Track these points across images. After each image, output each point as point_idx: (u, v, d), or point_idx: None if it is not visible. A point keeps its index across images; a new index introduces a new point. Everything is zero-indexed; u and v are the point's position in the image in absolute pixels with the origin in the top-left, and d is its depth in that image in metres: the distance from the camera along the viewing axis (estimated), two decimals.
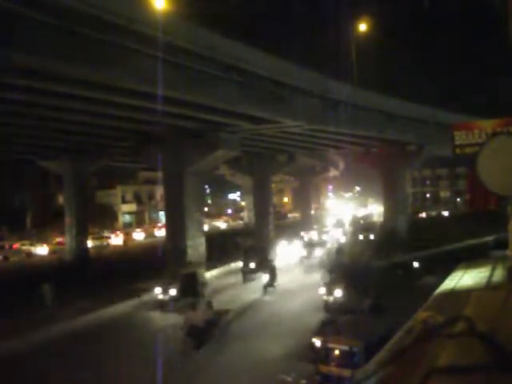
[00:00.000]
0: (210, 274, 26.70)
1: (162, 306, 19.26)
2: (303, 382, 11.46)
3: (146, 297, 20.86)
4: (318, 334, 12.05)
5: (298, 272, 27.68)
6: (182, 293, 19.32)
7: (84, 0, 14.52)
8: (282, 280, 23.89)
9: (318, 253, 32.76)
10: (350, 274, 19.95)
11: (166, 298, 19.41)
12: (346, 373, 9.82)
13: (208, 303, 15.34)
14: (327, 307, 18.15)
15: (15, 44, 13.83)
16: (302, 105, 26.03)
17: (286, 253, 33.76)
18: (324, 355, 11.03)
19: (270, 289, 22.03)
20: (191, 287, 19.88)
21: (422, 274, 21.65)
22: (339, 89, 28.37)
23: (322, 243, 36.45)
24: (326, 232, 44.03)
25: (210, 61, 19.99)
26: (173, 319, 16.83)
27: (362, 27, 35.13)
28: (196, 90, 20.46)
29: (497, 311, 2.64)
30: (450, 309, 2.94)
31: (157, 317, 18.78)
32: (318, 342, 11.23)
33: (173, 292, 19.42)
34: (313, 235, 40.02)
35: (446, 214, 66.29)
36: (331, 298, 18.29)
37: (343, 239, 41.14)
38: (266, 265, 24.47)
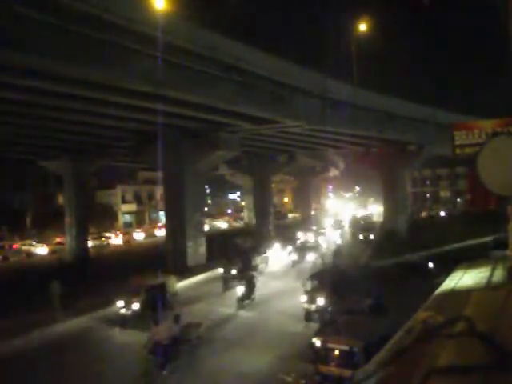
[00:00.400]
0: (189, 282, 24.78)
1: (123, 321, 17.18)
2: (303, 382, 11.47)
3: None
4: (317, 334, 12.03)
5: (287, 279, 25.09)
6: (148, 306, 17.19)
7: (84, 0, 14.53)
8: (266, 289, 22.27)
9: (312, 257, 30.07)
10: (339, 279, 18.84)
11: (129, 312, 17.36)
12: (346, 373, 9.80)
13: (175, 317, 13.78)
14: (308, 316, 17.07)
15: (15, 44, 13.84)
16: (301, 105, 26.05)
17: (279, 256, 31.82)
18: (324, 355, 11.03)
19: (247, 302, 19.83)
20: (158, 299, 17.58)
21: (437, 275, 20.81)
22: (339, 89, 28.39)
23: (315, 247, 33.38)
24: (323, 233, 41.93)
25: (210, 61, 20.00)
26: (135, 336, 15.24)
27: (362, 27, 35.21)
28: (196, 90, 20.48)
29: (497, 311, 2.64)
30: (450, 309, 2.94)
31: (117, 334, 16.85)
32: (317, 342, 11.22)
33: (136, 306, 17.35)
34: (309, 237, 38.22)
35: (442, 214, 65.08)
36: (313, 307, 17.13)
37: (342, 241, 39.73)
38: (247, 272, 22.61)
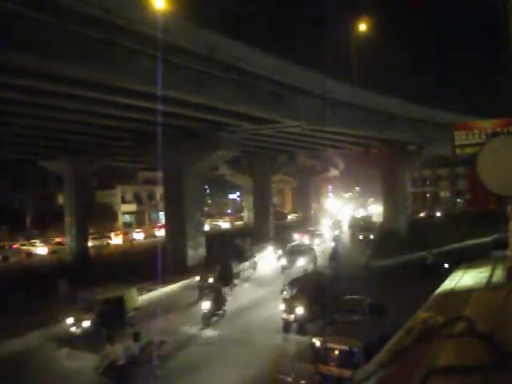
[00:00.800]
0: (160, 292, 22.49)
1: (72, 341, 15.16)
2: (303, 382, 11.48)
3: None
4: (317, 334, 12.03)
5: (273, 286, 22.13)
6: (103, 323, 15.16)
7: (84, 0, 14.53)
8: (247, 297, 20.79)
9: (303, 261, 27.10)
10: (322, 285, 17.48)
11: (79, 330, 15.41)
12: (346, 373, 9.80)
13: (135, 335, 12.41)
14: (287, 327, 15.82)
15: (15, 44, 13.84)
16: (302, 105, 26.06)
17: (270, 260, 29.73)
18: (324, 355, 11.04)
19: (215, 318, 17.43)
20: (115, 315, 15.77)
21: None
22: (339, 89, 28.40)
23: (308, 250, 30.03)
24: (320, 235, 40.05)
25: (210, 61, 20.01)
26: (85, 358, 13.61)
27: (362, 27, 35.31)
28: (196, 90, 20.49)
29: (497, 311, 2.64)
30: (450, 309, 2.94)
31: (63, 356, 14.63)
32: (317, 342, 11.23)
33: (86, 324, 15.37)
34: (305, 238, 36.58)
35: (438, 214, 63.42)
36: (291, 317, 15.78)
37: (339, 242, 37.03)
38: (214, 284, 20.65)
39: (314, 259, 28.57)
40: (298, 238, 37.78)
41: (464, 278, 4.03)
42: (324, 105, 27.37)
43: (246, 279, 25.52)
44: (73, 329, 15.58)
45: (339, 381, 10.25)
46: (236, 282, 23.75)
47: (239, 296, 21.36)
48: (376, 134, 35.10)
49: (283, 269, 27.03)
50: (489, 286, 3.46)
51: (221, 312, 17.92)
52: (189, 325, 16.94)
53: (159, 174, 32.24)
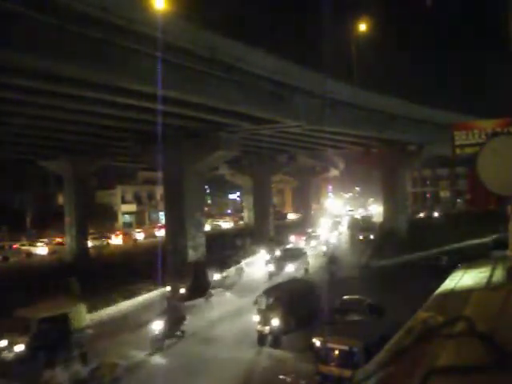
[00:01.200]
0: (127, 304, 20.94)
1: (3, 368, 12.98)
2: (303, 382, 11.49)
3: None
4: (318, 334, 12.04)
5: (256, 295, 18.45)
6: (40, 346, 13.02)
7: (84, 0, 14.53)
8: (225, 308, 19.49)
9: (291, 268, 25.53)
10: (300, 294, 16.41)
11: (11, 355, 13.19)
12: (346, 373, 9.81)
13: (82, 356, 11.55)
14: (262, 340, 15.05)
15: (15, 44, 13.84)
16: (302, 105, 26.04)
17: (261, 265, 28.36)
18: (324, 355, 11.05)
19: (168, 341, 15.37)
20: (56, 336, 13.69)
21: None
22: (339, 89, 28.40)
23: (299, 255, 28.17)
24: (317, 237, 39.38)
25: (211, 61, 20.00)
26: None
27: (362, 27, 35.34)
28: (196, 90, 20.48)
29: (497, 311, 2.64)
30: (450, 309, 2.94)
31: None
32: (318, 342, 11.24)
33: (19, 348, 13.13)
34: (301, 241, 36.14)
35: (435, 214, 61.99)
36: (267, 329, 14.90)
37: (338, 245, 37.13)
38: (172, 300, 19.04)
39: (306, 264, 27.36)
40: (295, 240, 37.27)
41: (464, 278, 4.03)
42: (324, 105, 27.34)
43: (229, 287, 24.29)
44: (5, 353, 13.34)
45: (339, 381, 10.26)
46: (213, 291, 22.46)
47: (214, 307, 20.31)
48: (376, 134, 35.10)
49: (270, 275, 25.45)
50: (489, 286, 3.46)
51: (178, 333, 15.93)
52: (140, 349, 14.73)
53: (159, 174, 32.22)
